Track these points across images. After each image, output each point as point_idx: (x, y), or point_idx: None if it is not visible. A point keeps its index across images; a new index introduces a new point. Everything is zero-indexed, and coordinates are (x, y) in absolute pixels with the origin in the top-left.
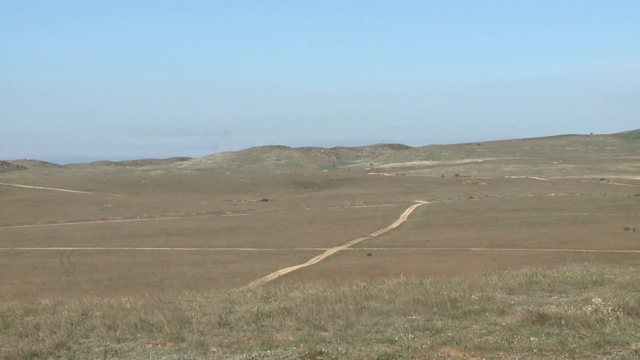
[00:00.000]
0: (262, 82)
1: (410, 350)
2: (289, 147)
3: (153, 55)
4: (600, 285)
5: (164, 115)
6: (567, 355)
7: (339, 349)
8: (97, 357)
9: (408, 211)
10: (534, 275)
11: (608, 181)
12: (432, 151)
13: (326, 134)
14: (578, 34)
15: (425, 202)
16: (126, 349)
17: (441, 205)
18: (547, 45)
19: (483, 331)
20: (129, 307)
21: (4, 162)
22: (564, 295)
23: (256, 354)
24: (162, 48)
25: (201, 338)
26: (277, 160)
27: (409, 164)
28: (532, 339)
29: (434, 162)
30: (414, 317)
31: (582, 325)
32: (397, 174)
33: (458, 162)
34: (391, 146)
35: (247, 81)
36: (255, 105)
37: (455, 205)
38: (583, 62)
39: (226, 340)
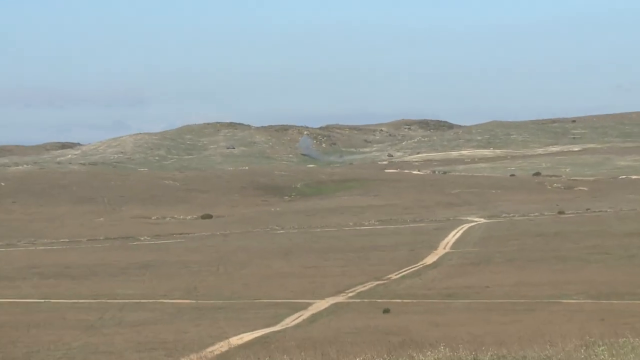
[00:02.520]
0: (200, 17)
1: None
2: (248, 126)
3: None
4: None
5: (33, 75)
6: None
7: None
8: None
9: (453, 236)
10: None
11: None
12: (494, 133)
13: (312, 104)
14: None
15: (482, 219)
16: None
17: (510, 226)
18: None
19: None
20: None
21: None
22: None
23: None
24: None
25: None
26: (228, 148)
27: (454, 154)
28: None
29: (498, 151)
30: None
31: None
32: (434, 172)
33: (539, 151)
34: (424, 124)
35: (173, 16)
36: (188, 55)
37: (534, 225)
38: None
39: None
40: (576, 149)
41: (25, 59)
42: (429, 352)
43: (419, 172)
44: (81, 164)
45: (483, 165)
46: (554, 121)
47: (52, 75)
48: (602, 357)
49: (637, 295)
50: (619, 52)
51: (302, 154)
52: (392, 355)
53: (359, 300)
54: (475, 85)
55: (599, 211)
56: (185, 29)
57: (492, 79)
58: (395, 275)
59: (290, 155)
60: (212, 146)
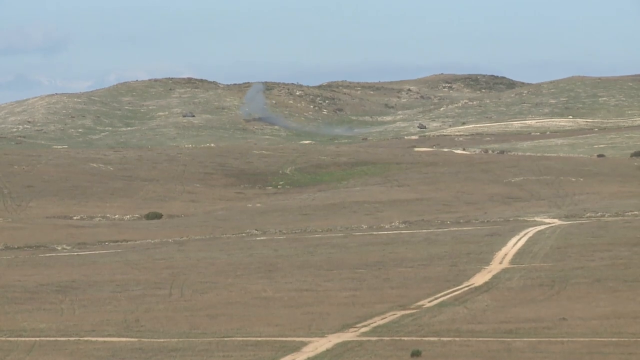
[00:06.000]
0: None
1: None
2: (214, 84)
3: None
4: None
5: None
6: None
7: None
8: None
9: (514, 245)
10: None
11: None
12: (575, 94)
13: (307, 52)
14: None
15: (556, 221)
16: None
17: (598, 231)
18: None
19: None
20: None
21: None
22: None
23: None
24: None
25: None
26: (185, 115)
27: (516, 125)
28: None
29: (579, 120)
30: None
31: None
32: (486, 152)
33: None
34: (471, 81)
35: None
36: None
37: (633, 229)
38: None
39: None
40: None
41: None
42: None
43: (464, 152)
44: None
45: (558, 141)
46: None
47: None
48: None
49: None
50: None
51: (246, 119)
52: None
53: (375, 339)
54: (547, 27)
55: None
56: None
57: (572, 18)
58: (429, 302)
59: (276, 127)
60: (161, 113)
